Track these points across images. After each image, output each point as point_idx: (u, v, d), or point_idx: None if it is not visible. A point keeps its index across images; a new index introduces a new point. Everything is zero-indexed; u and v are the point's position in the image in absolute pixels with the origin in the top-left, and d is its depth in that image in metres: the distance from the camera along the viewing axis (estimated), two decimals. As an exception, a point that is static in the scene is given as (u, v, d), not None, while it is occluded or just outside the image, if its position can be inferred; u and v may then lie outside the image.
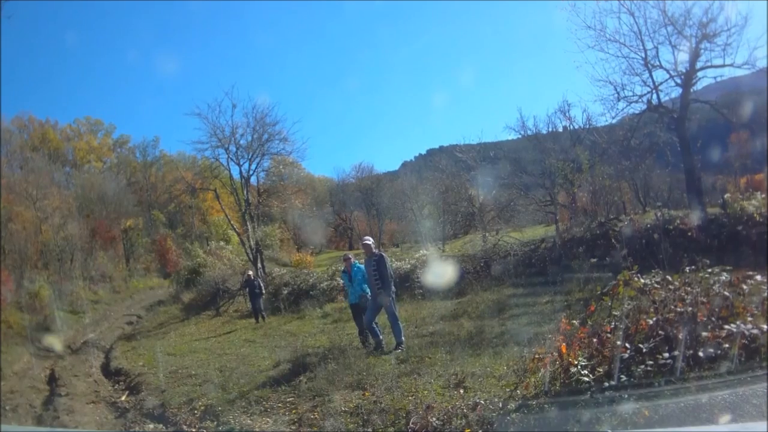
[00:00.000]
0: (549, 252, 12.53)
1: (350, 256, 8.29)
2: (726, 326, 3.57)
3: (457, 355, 6.05)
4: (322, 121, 62.10)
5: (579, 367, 3.71)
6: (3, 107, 45.08)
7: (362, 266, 7.78)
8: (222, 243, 24.01)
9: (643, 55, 13.82)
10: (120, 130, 41.38)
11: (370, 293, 7.52)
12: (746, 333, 3.49)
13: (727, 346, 3.47)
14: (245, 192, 21.14)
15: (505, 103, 77.52)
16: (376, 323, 7.37)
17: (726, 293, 3.89)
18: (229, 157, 20.50)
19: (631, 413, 3.16)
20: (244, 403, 5.62)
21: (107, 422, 6.63)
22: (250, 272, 14.61)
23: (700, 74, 13.67)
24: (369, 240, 7.59)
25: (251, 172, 20.99)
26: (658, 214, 12.55)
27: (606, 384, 3.52)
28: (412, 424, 3.92)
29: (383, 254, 7.51)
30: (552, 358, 3.94)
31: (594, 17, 15.19)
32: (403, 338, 6.96)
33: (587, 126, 19.98)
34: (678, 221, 10.97)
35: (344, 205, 36.31)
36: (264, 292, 14.02)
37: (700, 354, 3.49)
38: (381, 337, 7.13)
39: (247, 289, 13.83)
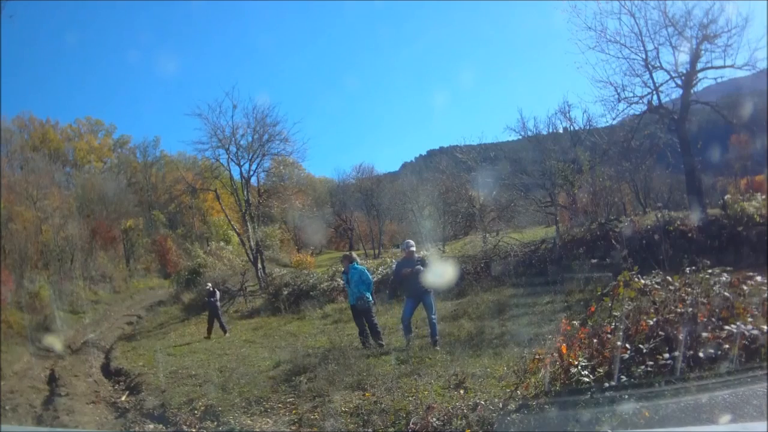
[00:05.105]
0: (549, 253, 12.54)
1: (350, 254, 8.30)
2: (726, 327, 3.57)
3: (458, 356, 6.05)
4: (323, 122, 61.96)
5: (579, 367, 3.70)
6: (3, 107, 45.16)
7: (360, 267, 7.78)
8: (222, 243, 24.02)
9: (644, 56, 13.84)
10: (120, 130, 41.39)
11: (371, 297, 7.55)
12: (746, 334, 3.49)
13: (727, 346, 3.47)
14: (245, 192, 21.14)
15: (506, 104, 77.44)
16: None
17: (726, 294, 3.89)
18: (229, 157, 20.53)
19: (631, 413, 3.16)
20: (244, 404, 5.62)
21: (107, 422, 6.63)
22: (210, 284, 14.06)
23: (700, 75, 13.71)
24: (413, 246, 7.69)
25: (252, 173, 21.03)
26: (659, 215, 12.58)
27: (606, 384, 3.52)
28: (413, 424, 3.92)
29: (424, 258, 7.84)
30: (552, 358, 3.93)
31: (595, 18, 15.29)
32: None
33: (588, 127, 19.97)
34: (678, 222, 10.99)
35: (344, 205, 36.23)
36: (220, 305, 13.25)
37: (701, 354, 3.49)
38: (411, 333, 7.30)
39: (211, 300, 12.91)
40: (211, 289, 13.27)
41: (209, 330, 12.64)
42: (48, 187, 24.82)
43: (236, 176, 21.28)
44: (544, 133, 20.98)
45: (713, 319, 3.71)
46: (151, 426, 5.96)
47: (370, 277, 7.85)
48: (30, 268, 19.84)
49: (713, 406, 3.05)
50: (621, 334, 3.75)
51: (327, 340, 8.61)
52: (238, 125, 20.35)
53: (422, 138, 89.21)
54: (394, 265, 9.59)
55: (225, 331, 12.55)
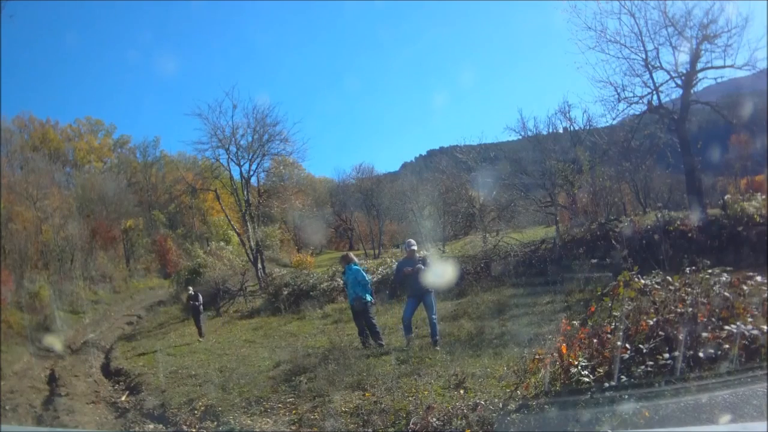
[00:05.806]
0: (549, 253, 12.54)
1: (347, 255, 8.28)
2: (726, 327, 3.56)
3: (458, 356, 6.05)
4: (323, 122, 62.24)
5: (579, 367, 3.70)
6: (3, 107, 45.22)
7: (355, 268, 7.76)
8: (222, 243, 24.01)
9: (644, 56, 13.84)
10: (120, 130, 41.50)
11: (369, 297, 7.54)
12: (746, 334, 3.49)
13: (727, 346, 3.47)
14: (245, 192, 21.17)
15: (506, 103, 77.81)
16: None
17: (726, 294, 3.88)
18: (229, 157, 20.62)
19: (631, 413, 3.16)
20: (244, 404, 5.62)
21: (107, 422, 6.64)
22: (191, 288, 14.63)
23: (700, 75, 13.72)
24: (414, 246, 7.69)
25: (252, 173, 21.10)
26: (659, 215, 12.57)
27: (606, 384, 3.51)
28: (413, 424, 3.92)
29: (425, 258, 7.73)
30: (552, 358, 3.93)
31: (595, 18, 15.29)
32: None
33: (588, 127, 19.99)
34: (678, 222, 10.98)
35: (344, 205, 36.29)
36: (202, 309, 13.54)
37: (701, 354, 3.49)
38: (411, 333, 7.29)
39: (194, 304, 13.22)
40: (193, 293, 13.66)
41: (199, 332, 12.87)
42: (48, 187, 24.83)
43: (236, 176, 21.40)
44: (544, 133, 21.00)
45: (713, 319, 3.70)
46: (151, 426, 5.97)
47: (366, 277, 7.80)
48: (30, 268, 19.86)
49: (713, 406, 3.05)
50: (621, 334, 3.74)
51: (327, 340, 8.60)
52: (238, 125, 20.47)
53: (422, 138, 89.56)
54: (394, 265, 9.59)
55: (201, 335, 12.71)
